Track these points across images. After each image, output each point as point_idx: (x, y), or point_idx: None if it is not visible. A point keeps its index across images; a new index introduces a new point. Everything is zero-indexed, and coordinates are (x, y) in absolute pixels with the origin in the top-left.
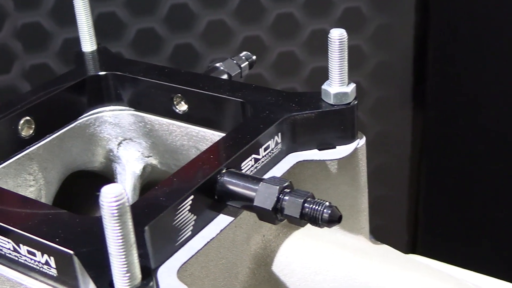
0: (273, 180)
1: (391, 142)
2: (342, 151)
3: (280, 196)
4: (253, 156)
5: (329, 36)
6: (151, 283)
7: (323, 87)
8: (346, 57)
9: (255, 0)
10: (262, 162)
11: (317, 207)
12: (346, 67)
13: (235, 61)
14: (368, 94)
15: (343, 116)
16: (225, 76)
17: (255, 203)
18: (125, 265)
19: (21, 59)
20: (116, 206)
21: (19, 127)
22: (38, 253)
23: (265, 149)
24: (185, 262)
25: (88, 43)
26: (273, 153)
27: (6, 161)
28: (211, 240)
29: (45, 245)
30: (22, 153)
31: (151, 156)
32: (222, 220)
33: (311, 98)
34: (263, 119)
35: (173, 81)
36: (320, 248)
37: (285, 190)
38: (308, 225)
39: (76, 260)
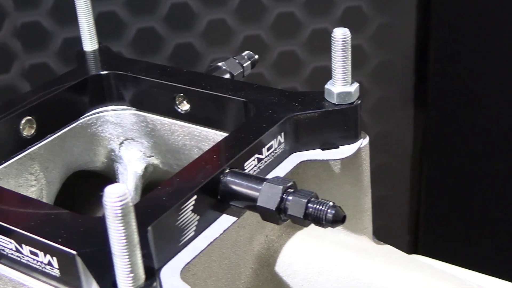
0: (276, 180)
1: (392, 142)
2: (345, 151)
3: (283, 196)
4: (256, 156)
5: (332, 35)
6: (155, 284)
7: (326, 86)
8: (350, 56)
9: None
10: (265, 162)
11: (321, 207)
12: (350, 67)
13: (237, 61)
14: (369, 93)
15: (347, 115)
16: (227, 76)
17: (258, 203)
18: (129, 266)
19: (21, 59)
20: (120, 206)
21: (21, 127)
22: (41, 253)
23: (268, 149)
24: (188, 263)
25: (89, 42)
26: (276, 153)
27: (8, 161)
28: (214, 240)
29: (47, 245)
30: (24, 153)
31: (153, 156)
32: (225, 220)
33: (314, 97)
34: (266, 118)
35: (175, 80)
36: (323, 248)
37: (289, 190)
38: (311, 225)
39: (79, 260)
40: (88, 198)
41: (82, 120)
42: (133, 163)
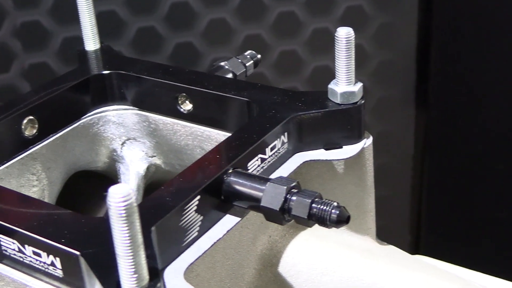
0: (280, 180)
1: (393, 142)
2: (348, 151)
3: (287, 196)
4: (260, 156)
5: (335, 34)
6: (159, 284)
7: (329, 86)
8: (353, 56)
9: None
10: (269, 162)
11: (325, 208)
12: (353, 66)
13: (240, 60)
14: (370, 93)
15: (350, 115)
16: (230, 75)
17: (262, 204)
18: (133, 266)
19: (21, 58)
20: (124, 206)
21: (23, 127)
22: (44, 254)
23: (272, 149)
24: (192, 263)
25: (91, 42)
26: (279, 153)
27: (9, 161)
28: (217, 240)
29: (50, 245)
30: (26, 153)
31: (155, 156)
32: (228, 221)
33: (317, 97)
34: (269, 118)
35: (177, 80)
36: (326, 248)
37: (293, 190)
38: (315, 225)
39: (82, 261)
40: (89, 198)
41: (84, 120)
42: (135, 163)
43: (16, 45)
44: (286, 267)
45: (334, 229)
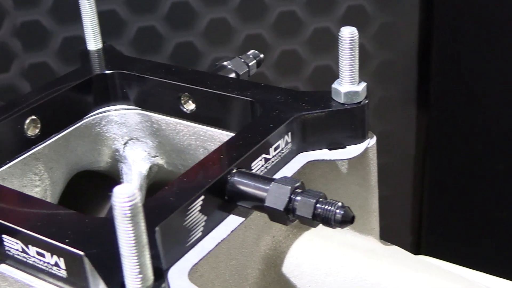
0: (284, 180)
1: (394, 142)
2: (352, 151)
3: (292, 197)
4: (263, 156)
5: (339, 34)
6: (163, 285)
7: (333, 86)
8: (357, 56)
9: None
10: (272, 162)
11: (329, 208)
12: (357, 66)
13: (242, 60)
14: (371, 93)
15: (354, 115)
16: (232, 75)
17: (266, 204)
18: (138, 266)
19: (20, 58)
20: (129, 206)
21: (25, 127)
22: (48, 254)
23: (275, 149)
24: (196, 263)
25: (93, 41)
26: (283, 153)
27: (12, 161)
28: (222, 241)
29: (54, 246)
30: (28, 153)
31: (157, 156)
32: (232, 221)
33: (321, 97)
34: (273, 118)
35: (180, 79)
36: (330, 249)
37: (297, 190)
38: (319, 225)
39: (86, 261)
40: (92, 198)
41: (87, 119)
42: (137, 163)
43: (16, 45)
44: (290, 267)
45: (337, 229)
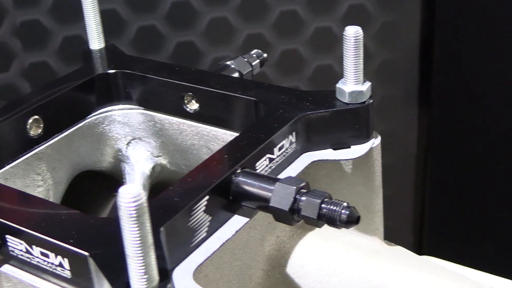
0: (289, 180)
1: (396, 141)
2: (357, 150)
3: (297, 197)
4: (268, 155)
5: (344, 33)
6: (169, 285)
7: (337, 85)
8: (362, 55)
9: None
10: (277, 162)
11: (335, 208)
12: (362, 65)
13: (246, 59)
14: (373, 93)
15: (358, 115)
16: (236, 75)
17: (271, 204)
18: (143, 267)
19: (20, 57)
20: (135, 206)
21: (28, 126)
22: (52, 255)
23: (280, 149)
24: (200, 264)
25: (96, 41)
26: (287, 152)
27: (15, 161)
28: (226, 241)
29: (59, 246)
30: (31, 153)
31: (160, 156)
32: (237, 221)
33: (325, 96)
34: (277, 118)
35: (183, 79)
36: (334, 249)
37: (302, 190)
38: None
39: (91, 261)
40: (94, 198)
41: (89, 119)
42: (140, 163)
43: (16, 44)
44: (294, 268)
45: (342, 229)
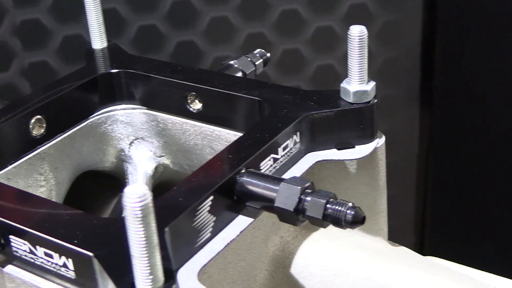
0: (294, 180)
1: (398, 141)
2: (361, 150)
3: (302, 197)
4: (272, 155)
5: (348, 33)
6: (174, 286)
7: (342, 85)
8: (366, 55)
9: None
10: (281, 162)
11: (340, 208)
12: (366, 65)
13: (249, 59)
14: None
15: (363, 115)
16: (239, 74)
17: (276, 204)
18: (148, 267)
19: (20, 57)
20: (140, 206)
21: (30, 126)
22: (56, 255)
23: (284, 149)
24: (205, 264)
25: (98, 40)
26: (291, 152)
27: (17, 161)
28: (231, 241)
29: (63, 246)
30: (33, 153)
31: (163, 156)
32: (241, 221)
33: (329, 96)
34: (281, 118)
35: (187, 79)
36: (339, 250)
37: (307, 190)
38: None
39: (96, 262)
40: (97, 198)
41: (92, 119)
42: (143, 163)
43: (15, 44)
44: (298, 268)
45: (346, 230)
